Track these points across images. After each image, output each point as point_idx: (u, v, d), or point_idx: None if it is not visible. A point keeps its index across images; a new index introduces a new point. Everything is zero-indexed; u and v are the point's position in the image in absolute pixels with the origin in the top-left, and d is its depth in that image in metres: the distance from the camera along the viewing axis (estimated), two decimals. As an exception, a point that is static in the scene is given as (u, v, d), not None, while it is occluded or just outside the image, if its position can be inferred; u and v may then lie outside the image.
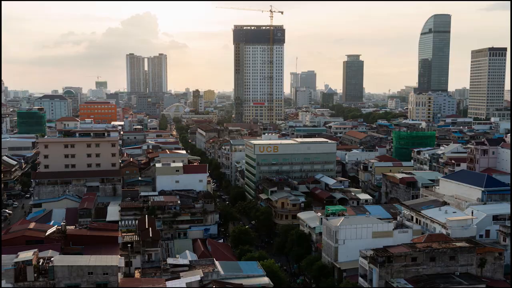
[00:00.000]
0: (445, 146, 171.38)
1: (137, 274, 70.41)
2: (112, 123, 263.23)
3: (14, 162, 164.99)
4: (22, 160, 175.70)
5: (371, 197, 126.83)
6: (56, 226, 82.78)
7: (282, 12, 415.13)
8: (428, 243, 73.36)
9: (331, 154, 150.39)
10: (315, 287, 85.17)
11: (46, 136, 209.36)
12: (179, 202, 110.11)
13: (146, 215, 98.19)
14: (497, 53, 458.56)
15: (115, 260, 64.33)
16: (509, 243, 78.42)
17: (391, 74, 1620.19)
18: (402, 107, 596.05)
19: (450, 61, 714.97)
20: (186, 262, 72.48)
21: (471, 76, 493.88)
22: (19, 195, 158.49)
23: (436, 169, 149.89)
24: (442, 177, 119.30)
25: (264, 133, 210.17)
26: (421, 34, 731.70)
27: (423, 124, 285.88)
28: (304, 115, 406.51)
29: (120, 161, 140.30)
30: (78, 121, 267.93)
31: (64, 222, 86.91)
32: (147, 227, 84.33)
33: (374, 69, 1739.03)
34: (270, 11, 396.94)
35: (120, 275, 63.34)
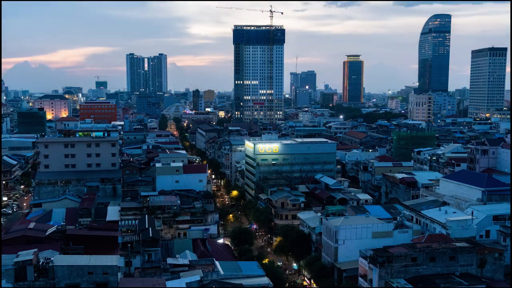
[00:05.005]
0: (445, 146, 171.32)
1: (137, 274, 70.37)
2: (112, 123, 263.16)
3: (14, 162, 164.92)
4: (22, 160, 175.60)
5: (371, 197, 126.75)
6: (56, 226, 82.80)
7: (282, 13, 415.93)
8: (428, 243, 73.35)
9: (331, 154, 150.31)
10: (315, 287, 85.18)
11: (46, 136, 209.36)
12: (179, 202, 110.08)
13: (146, 215, 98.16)
14: (497, 53, 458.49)
15: (115, 260, 64.37)
16: (509, 243, 78.38)
17: (391, 74, 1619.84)
18: (402, 107, 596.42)
19: (450, 61, 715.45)
20: (186, 262, 72.42)
21: (471, 76, 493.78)
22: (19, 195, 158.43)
23: (436, 169, 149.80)
24: (442, 177, 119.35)
25: (264, 133, 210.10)
26: (421, 34, 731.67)
27: (423, 124, 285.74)
28: (304, 115, 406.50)
29: (120, 161, 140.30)
30: (78, 121, 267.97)
31: (64, 222, 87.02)
32: (147, 227, 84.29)
33: (374, 69, 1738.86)
34: (270, 11, 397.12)
35: (120, 275, 63.35)
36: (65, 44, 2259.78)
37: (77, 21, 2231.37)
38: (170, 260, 73.14)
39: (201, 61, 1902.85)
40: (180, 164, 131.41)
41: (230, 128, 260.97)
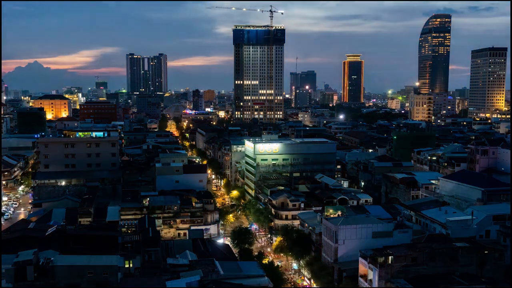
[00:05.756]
0: (445, 146, 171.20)
1: (137, 274, 70.33)
2: (112, 123, 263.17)
3: (14, 162, 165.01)
4: (22, 160, 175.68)
5: (371, 197, 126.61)
6: (56, 226, 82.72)
7: (282, 13, 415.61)
8: (428, 243, 73.32)
9: (331, 154, 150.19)
10: (315, 287, 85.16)
11: (46, 136, 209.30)
12: (179, 202, 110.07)
13: (146, 215, 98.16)
14: (497, 53, 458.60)
15: (115, 260, 64.35)
16: (509, 243, 78.36)
17: (391, 74, 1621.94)
18: (402, 107, 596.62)
19: (450, 61, 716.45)
20: (186, 262, 72.40)
21: (471, 76, 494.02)
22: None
23: (436, 169, 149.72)
24: (442, 177, 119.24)
25: (264, 133, 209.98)
26: (421, 34, 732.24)
27: (423, 124, 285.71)
28: (304, 115, 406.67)
29: (120, 161, 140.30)
30: (78, 121, 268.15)
31: (64, 222, 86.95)
32: (147, 227, 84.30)
33: (374, 69, 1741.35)
34: (270, 11, 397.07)
35: (120, 275, 63.34)
36: (88, 45, 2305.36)
37: (102, 22, 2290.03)
38: (170, 260, 73.09)
39: (211, 61, 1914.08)
40: (180, 164, 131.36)
41: (230, 128, 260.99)
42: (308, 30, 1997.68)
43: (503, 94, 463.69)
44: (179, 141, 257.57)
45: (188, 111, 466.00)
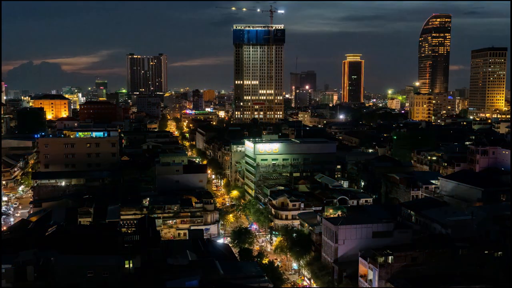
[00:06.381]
0: (445, 146, 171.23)
1: (137, 274, 70.26)
2: (112, 123, 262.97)
3: (14, 162, 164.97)
4: (22, 160, 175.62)
5: (371, 197, 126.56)
6: (56, 226, 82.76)
7: (282, 13, 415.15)
8: (428, 243, 73.30)
9: (331, 154, 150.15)
10: (315, 287, 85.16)
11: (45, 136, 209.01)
12: (179, 202, 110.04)
13: (146, 215, 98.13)
14: (497, 53, 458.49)
15: (115, 260, 64.37)
16: (509, 243, 78.34)
17: (391, 74, 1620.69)
18: (402, 107, 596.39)
19: (450, 61, 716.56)
20: (186, 262, 72.38)
21: (471, 76, 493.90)
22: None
23: (436, 169, 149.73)
24: (442, 177, 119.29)
25: (264, 133, 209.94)
26: (421, 34, 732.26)
27: (423, 124, 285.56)
28: (304, 115, 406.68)
29: (120, 161, 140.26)
30: (78, 121, 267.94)
31: (64, 222, 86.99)
32: (147, 227, 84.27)
33: (374, 69, 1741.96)
34: (270, 11, 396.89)
35: (120, 275, 63.33)
36: (103, 46, 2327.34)
37: (122, 22, 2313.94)
38: (170, 260, 73.05)
39: (210, 61, 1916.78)
40: (180, 164, 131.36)
41: (230, 128, 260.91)
42: (308, 30, 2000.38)
43: (503, 94, 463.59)
44: (179, 141, 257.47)
45: (188, 111, 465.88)
